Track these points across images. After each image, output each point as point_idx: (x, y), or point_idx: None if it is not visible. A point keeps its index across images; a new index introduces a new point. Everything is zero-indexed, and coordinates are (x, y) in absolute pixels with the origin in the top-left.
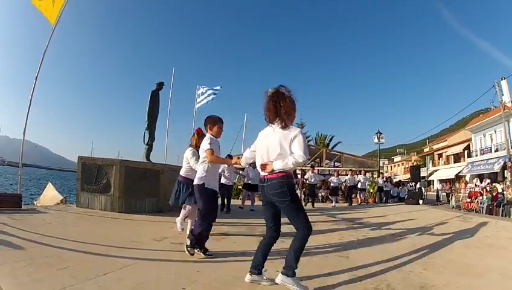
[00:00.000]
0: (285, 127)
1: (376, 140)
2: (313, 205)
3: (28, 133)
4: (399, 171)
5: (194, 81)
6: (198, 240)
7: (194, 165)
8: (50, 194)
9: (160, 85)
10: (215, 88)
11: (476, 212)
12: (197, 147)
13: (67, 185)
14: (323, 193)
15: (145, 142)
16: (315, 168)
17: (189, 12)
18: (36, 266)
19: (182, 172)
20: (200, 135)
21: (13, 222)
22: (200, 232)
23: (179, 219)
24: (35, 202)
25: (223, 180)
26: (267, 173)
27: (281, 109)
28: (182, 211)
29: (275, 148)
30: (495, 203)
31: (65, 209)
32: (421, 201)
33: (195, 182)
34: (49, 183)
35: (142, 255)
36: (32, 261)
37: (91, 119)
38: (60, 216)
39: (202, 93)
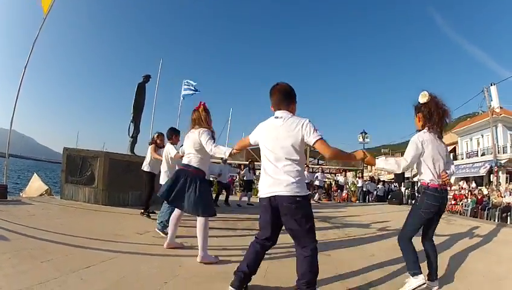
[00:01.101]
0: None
1: (361, 139)
2: None
3: (14, 123)
4: (383, 172)
5: (181, 74)
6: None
7: (213, 149)
8: (35, 185)
9: (147, 78)
10: (193, 85)
11: (460, 214)
12: (201, 125)
13: (51, 177)
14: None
15: (130, 135)
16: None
17: (178, 3)
18: (21, 258)
19: (191, 161)
20: (207, 110)
21: None
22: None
23: (173, 220)
24: (21, 193)
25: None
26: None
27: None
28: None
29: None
30: (480, 207)
31: (49, 201)
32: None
33: (197, 170)
34: (35, 174)
35: (125, 248)
36: (17, 253)
37: (77, 110)
38: (44, 208)
39: (185, 89)
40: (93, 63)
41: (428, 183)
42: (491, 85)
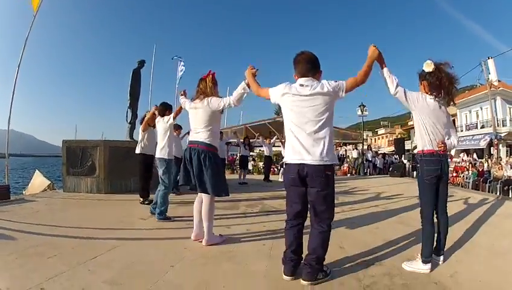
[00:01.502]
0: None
1: (360, 112)
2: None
3: (12, 122)
4: (383, 144)
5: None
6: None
7: (232, 99)
8: (38, 181)
9: (142, 63)
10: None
11: (462, 187)
12: (207, 95)
13: (52, 171)
14: None
15: (128, 121)
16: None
17: None
18: (28, 257)
19: (201, 137)
20: (215, 81)
21: (2, 215)
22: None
23: (197, 207)
24: (24, 191)
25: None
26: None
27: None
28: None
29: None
30: (481, 179)
31: (52, 196)
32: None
33: (208, 146)
34: (36, 170)
35: (130, 235)
36: (24, 252)
37: (73, 103)
38: (48, 203)
39: (181, 70)
40: (84, 55)
41: (423, 150)
42: (488, 58)
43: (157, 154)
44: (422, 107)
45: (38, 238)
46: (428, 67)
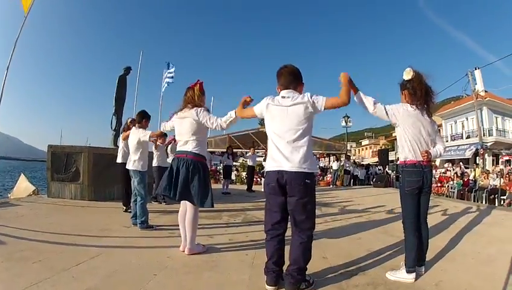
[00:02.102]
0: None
1: (343, 123)
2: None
3: None
4: (367, 155)
5: (162, 65)
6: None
7: (219, 122)
8: (23, 186)
9: (128, 70)
10: (169, 72)
11: (446, 197)
12: (194, 105)
13: (37, 177)
14: None
15: (113, 128)
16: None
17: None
18: (13, 261)
19: (189, 147)
20: (203, 91)
21: None
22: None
23: (181, 219)
24: (9, 195)
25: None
26: None
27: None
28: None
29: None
30: (466, 189)
31: (37, 201)
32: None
33: (197, 156)
34: (22, 174)
35: (113, 242)
36: (10, 256)
37: (59, 108)
38: (33, 208)
39: (167, 77)
40: (70, 58)
41: (405, 160)
42: (476, 69)
43: (130, 166)
44: (403, 117)
45: (24, 243)
46: (407, 75)
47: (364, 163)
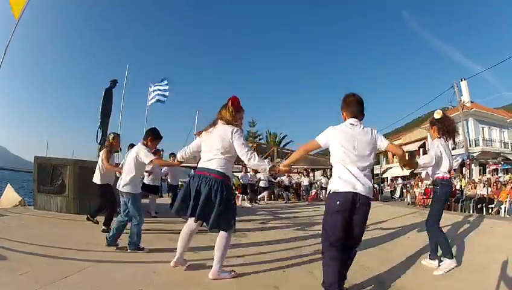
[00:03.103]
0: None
1: None
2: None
3: None
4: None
5: (148, 78)
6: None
7: (252, 161)
8: (9, 196)
9: (114, 82)
10: (163, 88)
11: None
12: (228, 122)
13: (24, 187)
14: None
15: (98, 141)
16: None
17: (143, 9)
18: (1, 272)
19: (214, 165)
20: (239, 107)
21: None
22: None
23: (186, 235)
24: None
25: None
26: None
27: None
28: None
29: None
30: (453, 199)
31: (23, 212)
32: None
33: (222, 176)
34: (8, 184)
35: (99, 257)
36: None
37: (46, 118)
38: (19, 219)
39: (154, 91)
40: (59, 69)
41: (443, 176)
42: (461, 80)
43: (121, 188)
44: (445, 148)
45: (11, 254)
46: (438, 115)
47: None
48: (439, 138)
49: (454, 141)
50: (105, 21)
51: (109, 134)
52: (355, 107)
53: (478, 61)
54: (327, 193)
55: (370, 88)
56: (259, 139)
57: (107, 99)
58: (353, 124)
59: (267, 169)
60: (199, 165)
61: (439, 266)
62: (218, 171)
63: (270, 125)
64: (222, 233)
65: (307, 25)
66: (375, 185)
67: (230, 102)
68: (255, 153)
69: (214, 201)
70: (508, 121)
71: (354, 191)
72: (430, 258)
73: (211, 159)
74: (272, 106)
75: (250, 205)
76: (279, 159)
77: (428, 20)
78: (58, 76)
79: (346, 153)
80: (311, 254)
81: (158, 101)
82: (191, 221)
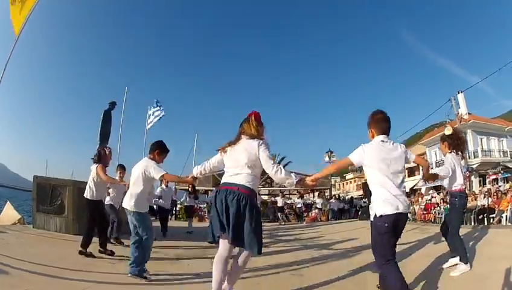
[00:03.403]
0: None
1: (327, 159)
2: None
3: None
4: (351, 189)
5: (147, 102)
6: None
7: (279, 175)
8: (8, 214)
9: (113, 104)
10: (156, 108)
11: (433, 223)
12: (252, 136)
13: (22, 205)
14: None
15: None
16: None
17: (142, 33)
18: (1, 286)
19: (242, 180)
20: (260, 122)
21: None
22: None
23: (221, 264)
24: None
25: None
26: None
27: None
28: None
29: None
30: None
31: (22, 230)
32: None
33: (250, 192)
34: (8, 202)
35: (98, 278)
36: None
37: (45, 137)
38: (18, 237)
39: (153, 114)
40: (58, 88)
41: (460, 189)
42: (458, 93)
43: (127, 205)
44: (458, 161)
45: (11, 271)
46: (448, 131)
47: (346, 196)
48: (450, 152)
49: (463, 153)
50: (105, 41)
51: (103, 148)
52: (384, 124)
53: (474, 72)
54: (373, 215)
55: (369, 106)
56: None
57: (106, 121)
58: (384, 141)
59: (294, 183)
60: (224, 180)
61: (457, 267)
62: (247, 186)
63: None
64: (246, 253)
65: (306, 47)
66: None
67: (253, 116)
68: (281, 166)
69: (246, 220)
70: (506, 129)
71: (398, 211)
72: (452, 257)
73: (238, 174)
74: (270, 127)
75: None
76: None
77: (425, 33)
78: (57, 96)
79: (383, 172)
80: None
81: (159, 119)
82: (222, 248)
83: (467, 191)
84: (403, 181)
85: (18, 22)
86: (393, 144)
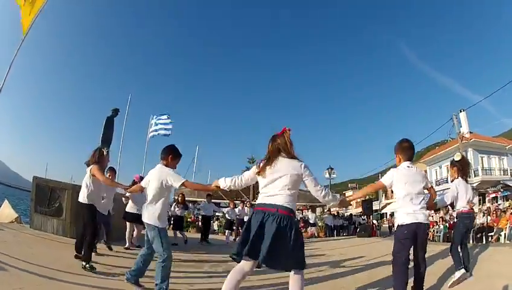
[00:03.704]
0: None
1: (327, 175)
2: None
3: None
4: (351, 206)
5: (149, 111)
6: None
7: (327, 197)
8: (6, 212)
9: (116, 111)
10: (164, 121)
11: (432, 241)
12: (288, 154)
13: (19, 204)
14: None
15: None
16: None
17: (146, 41)
18: None
19: (281, 200)
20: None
21: None
22: None
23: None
24: None
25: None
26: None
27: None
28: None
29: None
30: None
31: (19, 229)
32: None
33: (291, 212)
34: (6, 200)
35: (94, 282)
36: None
37: (46, 140)
38: (15, 235)
39: (155, 124)
40: (61, 92)
41: (461, 210)
42: (460, 111)
43: (146, 219)
44: (465, 185)
45: (7, 268)
46: (458, 157)
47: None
48: (458, 177)
49: (467, 177)
50: (109, 49)
51: (95, 149)
52: (410, 151)
53: (476, 91)
54: (396, 225)
55: (369, 123)
56: None
57: (108, 127)
58: (409, 167)
59: (338, 202)
60: (261, 201)
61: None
62: (286, 207)
63: None
64: (297, 273)
65: (308, 66)
66: (374, 221)
67: (288, 132)
68: (328, 189)
69: (284, 239)
70: (507, 147)
71: (417, 221)
72: (457, 270)
73: (276, 195)
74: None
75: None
76: None
77: (427, 52)
78: (59, 97)
79: (407, 191)
80: None
81: (164, 135)
82: (245, 263)
83: (474, 213)
84: (423, 199)
85: (26, 22)
86: (416, 169)
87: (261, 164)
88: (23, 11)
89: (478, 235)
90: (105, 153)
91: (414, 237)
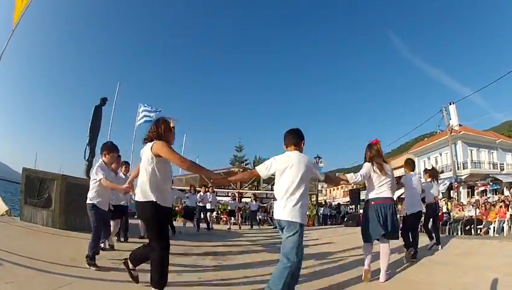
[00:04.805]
0: None
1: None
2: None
3: None
4: (338, 195)
5: (138, 98)
6: None
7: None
8: None
9: (104, 100)
10: (149, 111)
11: (421, 231)
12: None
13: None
14: (260, 216)
15: (86, 158)
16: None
17: (138, 26)
18: None
19: (391, 192)
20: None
21: None
22: None
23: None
24: None
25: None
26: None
27: None
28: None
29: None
30: (441, 222)
31: (9, 222)
32: None
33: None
34: None
35: (84, 273)
36: None
37: (35, 130)
38: (5, 228)
39: (142, 112)
40: (49, 81)
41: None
42: (450, 104)
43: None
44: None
45: None
46: (429, 167)
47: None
48: (430, 181)
49: (437, 180)
50: (99, 35)
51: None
52: (413, 166)
53: (466, 84)
54: (404, 213)
55: (356, 114)
56: (246, 165)
57: (96, 116)
58: (414, 175)
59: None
60: (376, 196)
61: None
62: (392, 197)
63: (259, 149)
64: (388, 244)
65: (304, 66)
66: (361, 211)
67: (379, 145)
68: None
69: (394, 218)
70: (497, 142)
71: (419, 209)
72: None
73: (385, 188)
74: (260, 128)
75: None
76: (265, 185)
77: (417, 43)
78: (47, 87)
79: (415, 191)
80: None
81: (145, 122)
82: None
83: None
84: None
85: (17, 13)
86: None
87: (377, 167)
88: (16, 2)
89: (467, 228)
90: (172, 124)
91: (419, 219)
